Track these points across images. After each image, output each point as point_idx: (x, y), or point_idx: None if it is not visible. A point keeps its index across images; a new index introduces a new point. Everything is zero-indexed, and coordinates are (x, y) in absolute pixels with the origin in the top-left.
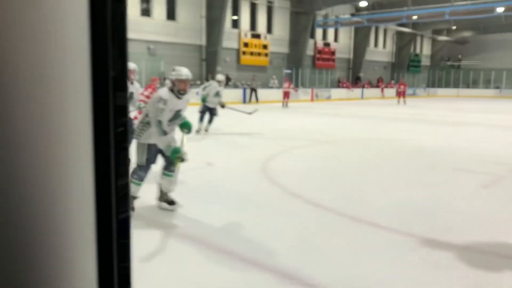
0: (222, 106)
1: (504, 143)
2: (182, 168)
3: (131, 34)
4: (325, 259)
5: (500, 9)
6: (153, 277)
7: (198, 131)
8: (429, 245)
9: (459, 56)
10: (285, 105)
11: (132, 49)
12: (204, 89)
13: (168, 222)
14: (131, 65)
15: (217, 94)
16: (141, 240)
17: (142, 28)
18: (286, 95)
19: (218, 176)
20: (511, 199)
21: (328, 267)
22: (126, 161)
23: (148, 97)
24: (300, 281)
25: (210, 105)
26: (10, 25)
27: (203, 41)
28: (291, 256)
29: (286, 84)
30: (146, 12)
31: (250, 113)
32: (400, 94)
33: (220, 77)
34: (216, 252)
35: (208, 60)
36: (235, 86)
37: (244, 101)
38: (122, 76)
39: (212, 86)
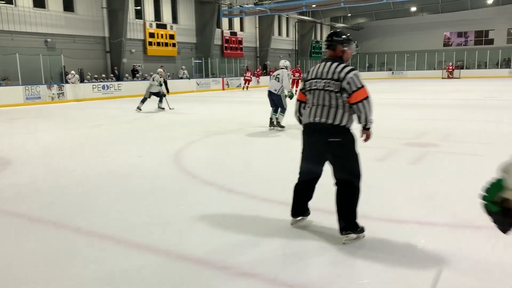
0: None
1: (396, 120)
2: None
3: (24, 27)
4: (238, 242)
5: None
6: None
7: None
8: (332, 218)
9: (355, 42)
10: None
11: (27, 43)
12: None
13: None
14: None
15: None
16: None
17: (36, 20)
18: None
19: (130, 170)
20: (403, 168)
21: (240, 250)
22: None
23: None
24: (213, 265)
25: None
26: None
27: (106, 33)
28: (207, 243)
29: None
30: (39, 3)
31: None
32: (294, 82)
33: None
34: (132, 246)
35: (112, 52)
36: (144, 78)
37: None
38: None
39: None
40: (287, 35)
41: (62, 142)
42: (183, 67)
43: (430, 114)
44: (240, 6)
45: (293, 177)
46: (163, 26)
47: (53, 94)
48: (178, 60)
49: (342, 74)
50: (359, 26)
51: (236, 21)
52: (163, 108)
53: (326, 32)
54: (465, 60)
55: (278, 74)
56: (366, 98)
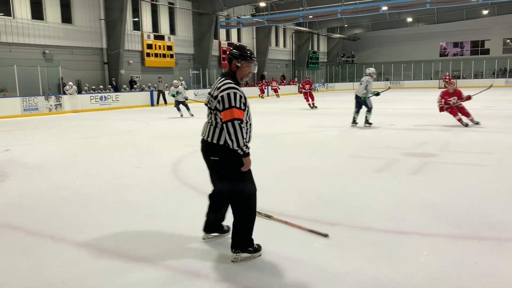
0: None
1: (394, 130)
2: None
3: (22, 38)
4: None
5: (384, 8)
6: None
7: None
8: (334, 229)
9: (352, 52)
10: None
11: (25, 55)
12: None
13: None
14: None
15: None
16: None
17: (35, 32)
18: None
19: (128, 182)
20: (403, 179)
21: (241, 264)
22: None
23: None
24: (211, 278)
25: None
26: None
27: (103, 44)
28: (202, 253)
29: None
30: (37, 15)
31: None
32: (307, 96)
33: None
34: (131, 260)
35: (110, 63)
36: (141, 89)
37: (152, 104)
38: None
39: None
40: (284, 45)
41: (59, 154)
42: (181, 78)
43: (429, 124)
44: (237, 17)
45: (296, 189)
46: (161, 37)
47: (51, 105)
48: (176, 71)
49: (217, 92)
50: (356, 37)
51: (234, 32)
52: (192, 115)
53: (323, 43)
54: (462, 70)
55: (362, 80)
56: (232, 120)
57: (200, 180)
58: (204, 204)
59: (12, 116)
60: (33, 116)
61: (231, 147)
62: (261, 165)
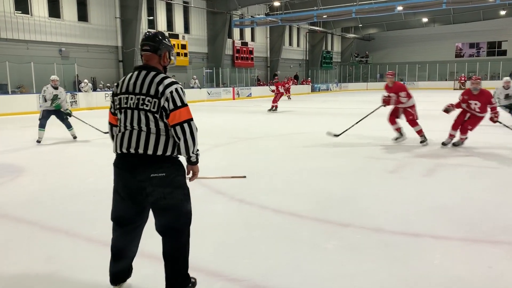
0: None
1: (407, 131)
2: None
3: (39, 36)
4: (248, 252)
5: (399, 8)
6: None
7: None
8: (345, 230)
9: (367, 52)
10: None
11: (42, 52)
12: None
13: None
14: (54, 76)
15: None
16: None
17: (51, 30)
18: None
19: None
20: (416, 180)
21: (250, 260)
22: None
23: None
24: (224, 277)
25: None
26: None
27: (119, 42)
28: (217, 253)
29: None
30: (54, 13)
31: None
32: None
33: None
34: (143, 256)
35: (125, 61)
36: None
37: None
38: None
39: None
40: (298, 45)
41: (74, 150)
42: (194, 76)
43: (443, 125)
44: (251, 16)
45: (307, 188)
46: (175, 36)
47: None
48: (189, 69)
49: (160, 87)
50: (370, 37)
51: (247, 31)
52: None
53: (337, 43)
54: (478, 71)
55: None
56: (190, 120)
57: (210, 179)
58: (212, 202)
59: (28, 112)
60: None
61: (190, 152)
62: (272, 164)
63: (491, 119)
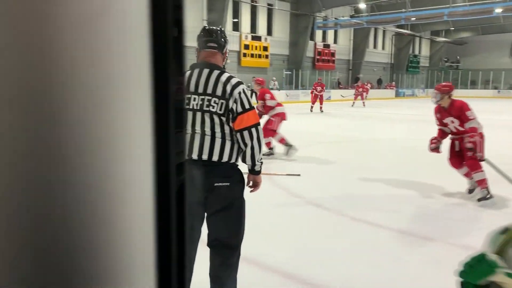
0: None
1: (505, 143)
2: None
3: None
4: (325, 258)
5: (498, 10)
6: None
7: None
8: (428, 244)
9: (458, 57)
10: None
11: None
12: None
13: None
14: None
15: None
16: None
17: None
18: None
19: None
20: None
21: (329, 267)
22: (183, 157)
23: None
24: (301, 280)
25: None
26: (77, 28)
27: None
28: (293, 256)
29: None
30: None
31: None
32: (316, 98)
33: None
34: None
35: None
36: None
37: None
38: (181, 80)
39: None
40: (383, 48)
41: None
42: (274, 78)
43: None
44: (335, 18)
45: (386, 199)
46: (258, 38)
47: None
48: (269, 71)
49: (228, 87)
50: (463, 41)
51: (330, 33)
52: None
53: (425, 46)
54: None
55: None
56: (258, 124)
57: (287, 182)
58: (290, 205)
59: None
60: None
61: (256, 159)
62: (350, 171)
63: (464, 145)
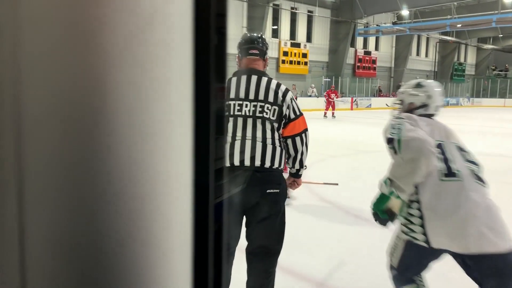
0: None
1: None
2: None
3: None
4: (362, 268)
5: None
6: None
7: None
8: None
9: (506, 65)
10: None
11: None
12: None
13: None
14: None
15: None
16: None
17: None
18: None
19: None
20: None
21: (363, 277)
22: (223, 169)
23: None
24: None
25: None
26: (121, 43)
27: None
28: (331, 265)
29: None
30: None
31: None
32: (329, 105)
33: None
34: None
35: None
36: None
37: None
38: (222, 86)
39: None
40: (426, 55)
41: None
42: (312, 85)
43: None
44: (377, 25)
45: None
46: (297, 45)
47: None
48: (308, 78)
49: (279, 93)
50: None
51: (371, 40)
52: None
53: (471, 54)
54: None
55: None
56: (305, 130)
57: (324, 190)
58: (327, 213)
59: None
60: None
61: (304, 164)
62: None
63: None
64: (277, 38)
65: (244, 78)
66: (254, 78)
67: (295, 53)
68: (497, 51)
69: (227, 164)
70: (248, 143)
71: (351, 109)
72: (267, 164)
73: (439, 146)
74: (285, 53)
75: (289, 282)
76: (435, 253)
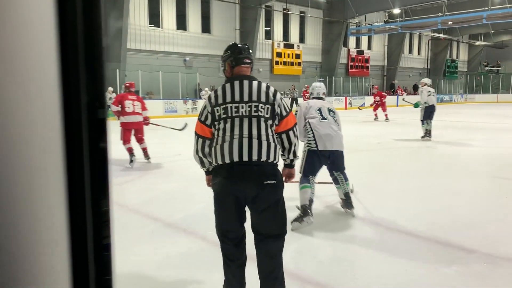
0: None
1: None
2: None
3: (168, 47)
4: (360, 269)
5: None
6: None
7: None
8: (467, 256)
9: (498, 61)
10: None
11: (169, 62)
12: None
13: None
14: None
15: None
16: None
17: (178, 41)
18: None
19: None
20: None
21: (364, 278)
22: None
23: None
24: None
25: None
26: None
27: None
28: (330, 267)
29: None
30: (182, 26)
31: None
32: (377, 107)
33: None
34: None
35: None
36: None
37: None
38: (97, 96)
39: None
40: (419, 53)
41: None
42: (306, 85)
43: None
44: (369, 24)
45: (422, 208)
46: (290, 46)
47: (188, 108)
48: (302, 78)
49: (270, 94)
50: (503, 44)
51: (364, 40)
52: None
53: (463, 51)
54: None
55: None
56: (295, 125)
57: (322, 189)
58: (327, 213)
59: (155, 116)
60: (172, 117)
61: (296, 154)
62: (385, 179)
63: None
64: (270, 39)
65: (237, 83)
66: (246, 82)
67: (288, 54)
68: (489, 47)
69: (227, 161)
70: (246, 141)
71: (345, 108)
72: (263, 158)
73: (319, 109)
74: (279, 54)
75: (289, 282)
76: (320, 154)
